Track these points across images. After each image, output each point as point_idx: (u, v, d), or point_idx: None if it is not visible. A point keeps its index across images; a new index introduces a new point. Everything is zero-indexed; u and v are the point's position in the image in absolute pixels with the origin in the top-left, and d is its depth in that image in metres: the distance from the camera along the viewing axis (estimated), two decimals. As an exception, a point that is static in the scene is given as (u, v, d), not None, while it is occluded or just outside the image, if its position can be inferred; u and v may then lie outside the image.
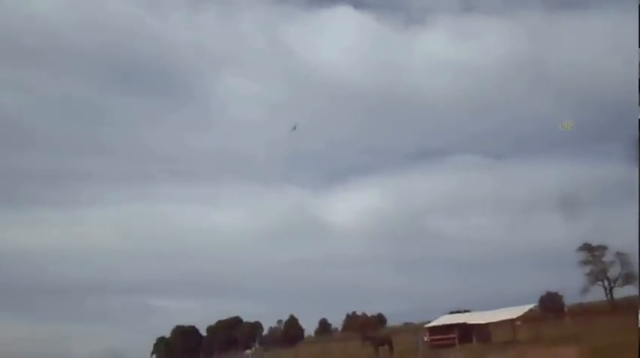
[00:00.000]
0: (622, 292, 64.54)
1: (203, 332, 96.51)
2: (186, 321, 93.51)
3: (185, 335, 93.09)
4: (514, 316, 43.61)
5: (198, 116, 51.49)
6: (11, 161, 46.22)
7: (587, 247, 66.01)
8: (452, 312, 52.85)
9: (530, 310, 45.97)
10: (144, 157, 52.23)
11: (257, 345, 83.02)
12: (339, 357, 48.63)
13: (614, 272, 65.00)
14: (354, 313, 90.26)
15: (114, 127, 50.29)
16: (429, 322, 48.22)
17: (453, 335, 44.08)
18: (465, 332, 44.21)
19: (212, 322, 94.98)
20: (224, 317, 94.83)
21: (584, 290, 65.54)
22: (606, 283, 65.82)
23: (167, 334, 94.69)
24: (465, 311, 53.06)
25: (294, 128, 49.88)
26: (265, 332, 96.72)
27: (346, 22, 61.28)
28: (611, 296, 65.64)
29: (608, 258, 65.28)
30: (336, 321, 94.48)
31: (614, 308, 60.16)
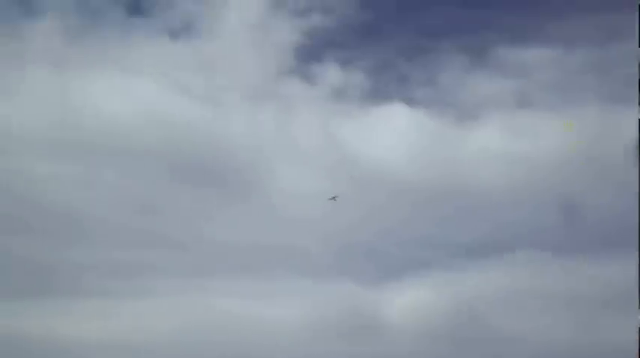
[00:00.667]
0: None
1: None
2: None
3: None
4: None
5: (254, 211, 52.39)
6: (75, 254, 47.86)
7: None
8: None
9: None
10: (202, 251, 52.94)
11: None
12: None
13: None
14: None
15: (174, 221, 51.82)
16: None
17: None
18: None
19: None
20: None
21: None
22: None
23: None
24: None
25: (334, 198, 50.07)
26: None
27: (399, 118, 62.96)
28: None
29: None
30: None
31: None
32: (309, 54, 58.22)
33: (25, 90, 47.36)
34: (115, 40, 50.98)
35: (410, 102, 68.87)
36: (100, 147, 51.91)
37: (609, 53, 72.48)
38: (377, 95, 62.07)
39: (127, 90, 50.57)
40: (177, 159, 57.41)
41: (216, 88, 56.27)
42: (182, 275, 55.85)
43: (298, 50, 59.14)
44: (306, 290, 62.67)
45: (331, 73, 62.13)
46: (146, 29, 51.73)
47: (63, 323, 53.78)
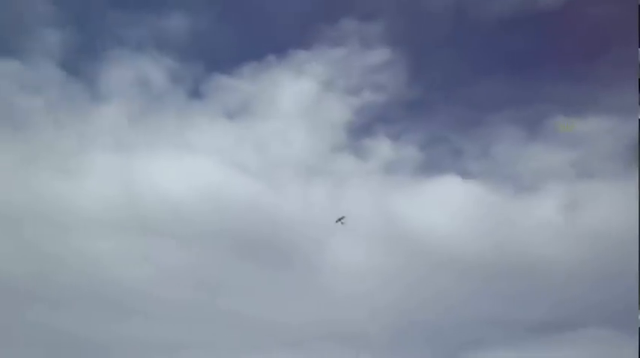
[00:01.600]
0: None
1: None
2: None
3: None
4: None
5: (307, 287, 53.42)
6: (134, 330, 49.76)
7: None
8: None
9: None
10: (255, 327, 53.97)
11: None
12: None
13: None
14: None
15: (229, 297, 53.62)
16: None
17: None
18: None
19: None
20: None
21: None
22: None
23: None
24: None
25: (342, 220, 50.26)
26: None
27: (454, 191, 62.86)
28: None
29: None
30: None
31: None
32: (361, 130, 59.12)
33: (90, 170, 49.71)
34: (176, 122, 53.49)
35: (464, 174, 68.12)
36: (160, 225, 53.72)
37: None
38: (430, 168, 62.00)
39: (187, 169, 52.30)
40: (233, 235, 58.58)
41: (271, 165, 57.74)
42: (237, 351, 55.75)
43: (350, 126, 60.26)
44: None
45: (383, 148, 62.83)
46: (204, 111, 54.18)
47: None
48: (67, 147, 49.49)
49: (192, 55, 54.06)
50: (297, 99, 57.56)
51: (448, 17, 60.06)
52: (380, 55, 60.88)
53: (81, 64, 51.46)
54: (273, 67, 55.69)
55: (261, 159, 56.39)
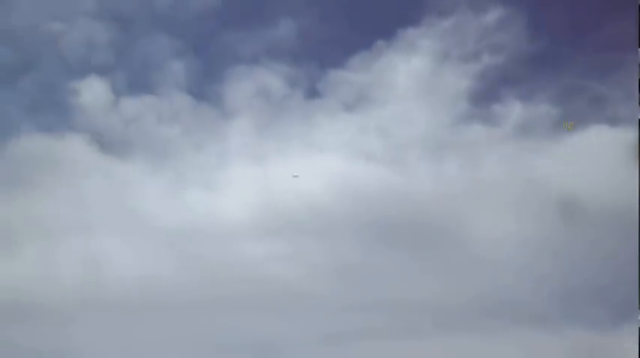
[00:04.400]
0: None
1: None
2: None
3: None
4: None
5: (453, 263, 53.17)
6: (298, 326, 53.03)
7: None
8: None
9: None
10: (412, 312, 54.84)
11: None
12: None
13: None
14: None
15: (379, 285, 54.71)
16: None
17: None
18: None
19: None
20: None
21: None
22: None
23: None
24: None
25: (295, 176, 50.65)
26: None
27: (600, 142, 58.48)
28: None
29: None
30: None
31: None
32: (486, 96, 57.64)
33: (231, 182, 53.47)
34: (300, 123, 55.81)
35: (612, 122, 63.47)
36: (301, 224, 56.45)
37: None
38: (570, 122, 59.00)
39: (317, 167, 54.38)
40: (372, 224, 59.77)
41: (398, 148, 58.13)
42: (398, 338, 56.53)
43: (473, 94, 58.88)
44: (528, 340, 59.41)
45: (513, 110, 60.78)
46: (325, 108, 55.88)
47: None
48: (208, 164, 53.60)
49: (304, 57, 55.95)
50: (413, 78, 57.49)
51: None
52: (493, 15, 58.89)
53: (205, 87, 55.28)
54: (384, 52, 56.11)
55: (387, 144, 57.10)
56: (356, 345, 52.32)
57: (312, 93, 55.87)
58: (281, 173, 56.71)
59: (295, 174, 52.09)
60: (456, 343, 52.46)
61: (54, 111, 53.42)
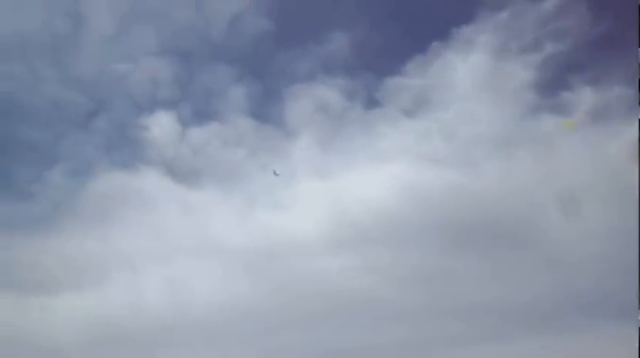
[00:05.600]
0: None
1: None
2: None
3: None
4: None
5: (539, 259, 51.94)
6: (387, 335, 53.80)
7: None
8: None
9: None
10: (503, 313, 54.05)
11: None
12: None
13: None
14: None
15: (463, 289, 54.50)
16: None
17: None
18: None
19: None
20: None
21: None
22: None
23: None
24: None
25: (276, 172, 51.17)
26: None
27: None
28: None
29: None
30: None
31: None
32: (553, 85, 55.85)
33: (300, 199, 54.30)
34: (362, 134, 55.96)
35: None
36: (373, 234, 56.49)
37: None
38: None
39: (384, 176, 54.30)
40: (445, 228, 58.85)
41: (466, 148, 57.16)
42: (492, 342, 54.74)
43: (539, 85, 57.14)
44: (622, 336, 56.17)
45: (584, 96, 58.44)
46: (385, 116, 55.79)
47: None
48: (275, 184, 54.70)
49: (359, 68, 56.27)
50: (472, 76, 56.41)
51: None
52: (550, 1, 57.17)
53: (266, 108, 56.67)
54: (440, 53, 55.38)
55: (452, 146, 56.21)
56: (440, 352, 51.45)
57: (371, 103, 56.03)
58: (347, 186, 57.10)
59: (277, 173, 52.72)
60: (547, 344, 50.60)
61: (127, 148, 56.22)
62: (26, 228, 51.12)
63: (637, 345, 20.27)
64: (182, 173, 55.68)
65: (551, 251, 56.35)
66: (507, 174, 57.24)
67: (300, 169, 55.67)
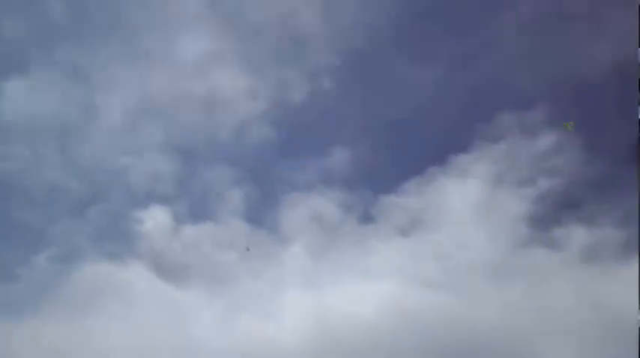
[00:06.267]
0: None
1: None
2: None
3: None
4: None
5: None
6: None
7: None
8: None
9: None
10: None
11: None
12: None
13: None
14: None
15: None
16: None
17: None
18: None
19: None
20: None
21: None
22: None
23: None
24: None
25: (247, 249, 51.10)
26: None
27: None
28: None
29: None
30: None
31: None
32: (546, 219, 56.64)
33: (285, 308, 53.25)
34: (354, 248, 56.02)
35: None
36: (356, 350, 55.22)
37: None
38: (635, 248, 56.85)
39: (371, 292, 53.83)
40: (429, 351, 57.83)
41: (455, 274, 56.91)
42: None
43: (532, 218, 57.94)
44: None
45: (576, 234, 59.05)
46: (378, 233, 56.13)
47: None
48: (262, 290, 54.02)
49: (357, 184, 57.34)
50: (467, 202, 57.44)
51: (611, 85, 57.40)
52: (547, 140, 59.15)
53: (262, 214, 57.07)
54: (436, 177, 56.82)
55: (444, 269, 56.15)
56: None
57: (366, 218, 56.58)
58: (336, 299, 56.38)
59: (247, 248, 52.33)
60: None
61: (117, 239, 56.00)
62: (4, 311, 50.03)
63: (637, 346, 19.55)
64: (170, 270, 55.15)
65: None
66: (497, 304, 56.76)
67: (289, 277, 55.17)
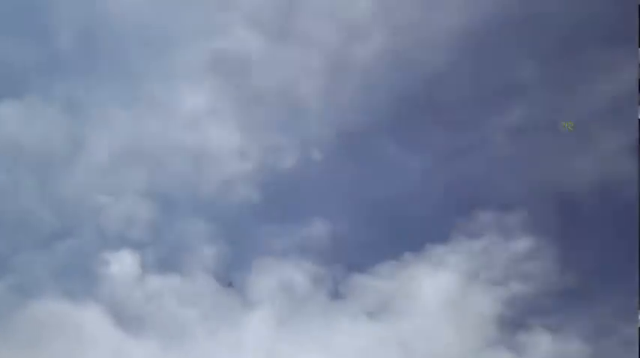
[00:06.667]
0: None
1: None
2: None
3: None
4: None
5: None
6: None
7: None
8: None
9: None
10: None
11: None
12: None
13: None
14: None
15: None
16: None
17: None
18: None
19: None
20: None
21: None
22: None
23: None
24: None
25: (230, 284, 50.74)
26: None
27: None
28: None
29: None
30: None
31: None
32: (514, 323, 56.06)
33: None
34: (319, 323, 54.81)
35: (645, 359, 60.95)
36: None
37: None
38: (601, 362, 56.56)
39: (330, 372, 52.71)
40: None
41: (417, 364, 56.20)
42: None
43: (501, 320, 57.47)
44: None
45: (542, 342, 58.66)
46: (346, 311, 55.19)
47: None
48: (219, 353, 52.42)
49: (331, 258, 56.78)
50: (439, 293, 57.06)
51: (592, 202, 58.71)
52: (523, 244, 59.54)
53: (232, 274, 56.08)
54: (411, 264, 56.59)
55: (406, 358, 55.31)
56: None
57: (336, 294, 55.77)
58: (295, 371, 54.85)
59: (230, 283, 51.28)
60: None
61: (81, 278, 54.27)
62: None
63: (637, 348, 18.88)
64: (128, 318, 53.18)
65: None
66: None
67: (249, 343, 53.58)
